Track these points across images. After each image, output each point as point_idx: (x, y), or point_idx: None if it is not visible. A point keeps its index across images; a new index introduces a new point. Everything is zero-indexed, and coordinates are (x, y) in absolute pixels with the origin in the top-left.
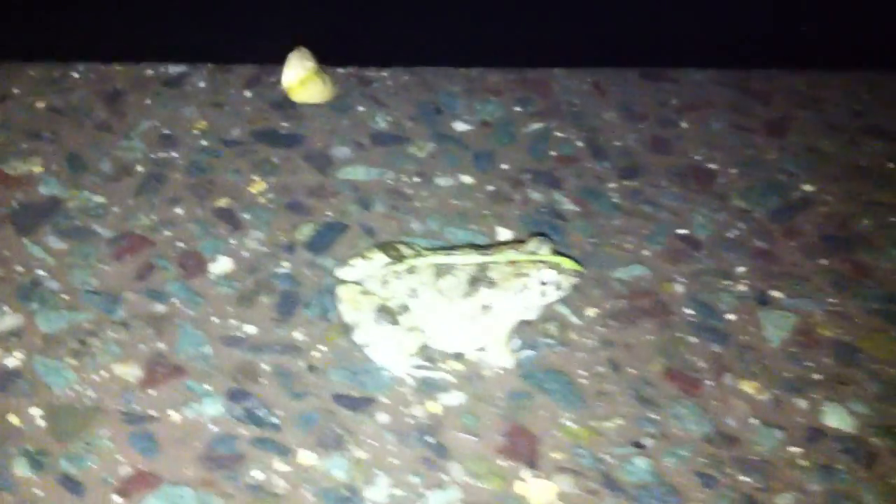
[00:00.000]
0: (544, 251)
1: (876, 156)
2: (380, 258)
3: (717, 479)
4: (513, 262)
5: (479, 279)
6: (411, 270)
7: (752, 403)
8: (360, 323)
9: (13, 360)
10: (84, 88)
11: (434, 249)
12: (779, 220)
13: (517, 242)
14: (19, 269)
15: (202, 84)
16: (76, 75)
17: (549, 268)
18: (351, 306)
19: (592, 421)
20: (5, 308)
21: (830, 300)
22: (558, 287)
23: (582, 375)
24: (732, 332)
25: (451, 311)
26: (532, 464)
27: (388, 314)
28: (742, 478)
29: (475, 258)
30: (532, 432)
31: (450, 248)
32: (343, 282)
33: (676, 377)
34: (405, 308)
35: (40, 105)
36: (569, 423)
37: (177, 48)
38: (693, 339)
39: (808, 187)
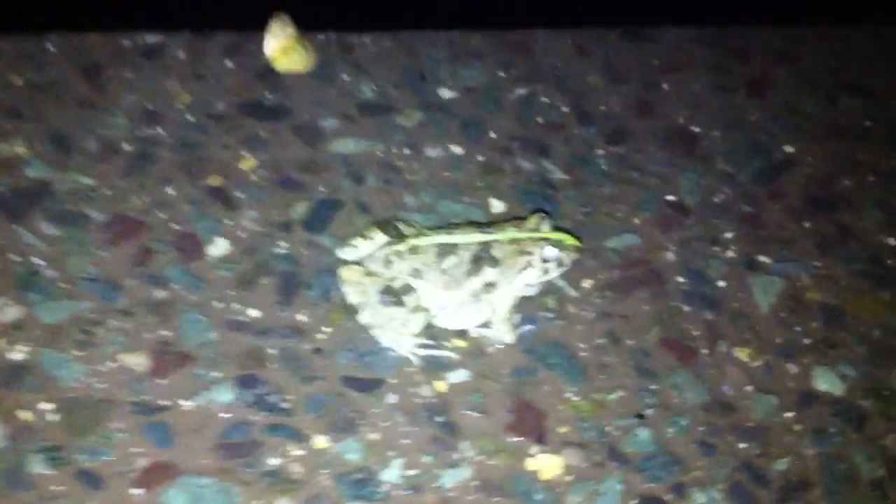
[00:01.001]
0: (545, 228)
1: (853, 113)
2: (380, 237)
3: (716, 446)
4: (515, 241)
5: (482, 258)
6: (414, 250)
7: (746, 370)
8: (364, 304)
9: (18, 354)
10: (61, 62)
11: (435, 228)
12: (763, 182)
13: (517, 219)
14: (15, 258)
15: (181, 54)
16: (52, 48)
17: (552, 245)
18: (354, 287)
19: (595, 394)
20: (5, 300)
21: (816, 263)
22: (560, 264)
23: (582, 348)
24: (723, 299)
25: (454, 290)
26: (540, 439)
27: (392, 295)
28: (740, 444)
29: (478, 237)
30: (538, 407)
31: (451, 226)
32: (345, 262)
33: (673, 346)
34: (409, 288)
35: (18, 82)
36: (572, 397)
37: (152, 15)
38: (686, 308)
39: (789, 148)
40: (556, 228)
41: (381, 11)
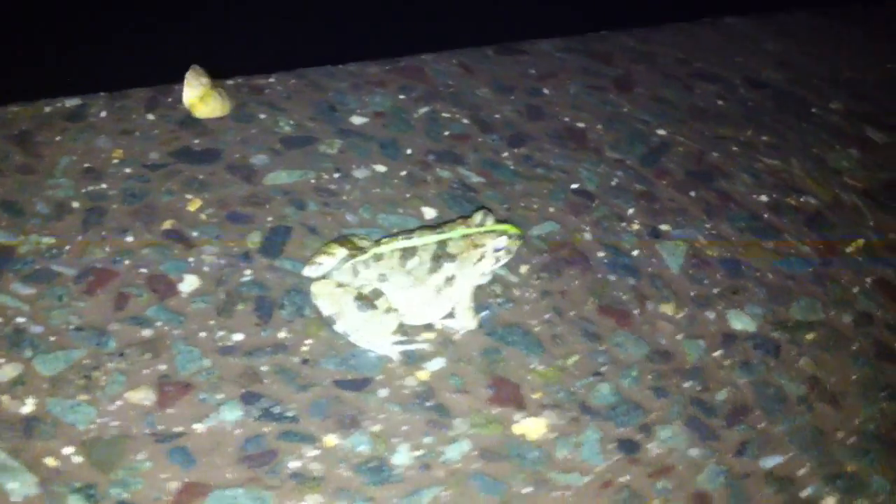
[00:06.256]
0: (490, 222)
1: (708, 96)
2: (340, 251)
3: (666, 389)
4: (467, 236)
5: (440, 255)
6: (378, 257)
7: (673, 322)
8: (339, 313)
9: (27, 407)
10: None
11: (392, 236)
12: (648, 163)
13: (463, 218)
14: None
15: (103, 113)
16: None
17: (499, 236)
18: (327, 300)
19: (555, 361)
20: (1, 360)
21: (707, 225)
22: (508, 251)
23: (534, 324)
24: (640, 266)
25: (420, 287)
26: (520, 406)
27: (364, 301)
28: (685, 384)
29: (433, 237)
30: (511, 380)
31: (407, 231)
32: (314, 279)
33: (609, 311)
34: (378, 293)
35: None
36: (537, 366)
37: (67, 81)
38: (612, 277)
39: (662, 132)
40: (498, 221)
41: (283, 53)
